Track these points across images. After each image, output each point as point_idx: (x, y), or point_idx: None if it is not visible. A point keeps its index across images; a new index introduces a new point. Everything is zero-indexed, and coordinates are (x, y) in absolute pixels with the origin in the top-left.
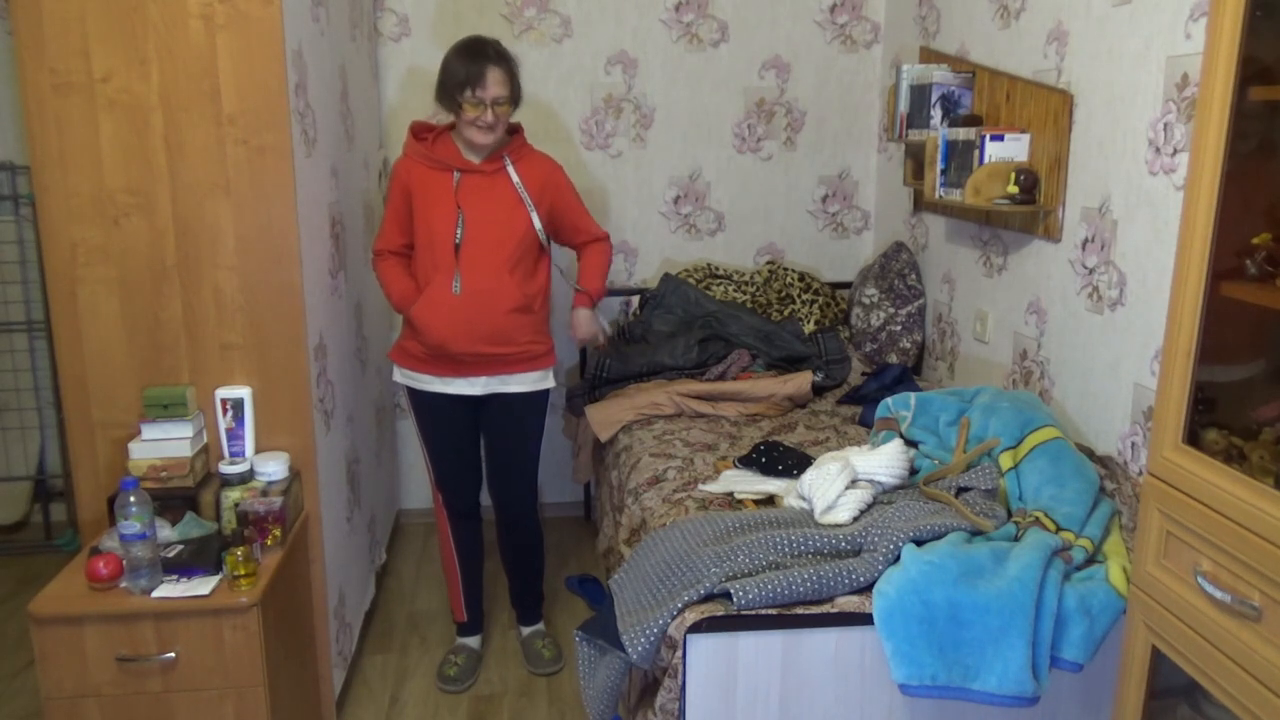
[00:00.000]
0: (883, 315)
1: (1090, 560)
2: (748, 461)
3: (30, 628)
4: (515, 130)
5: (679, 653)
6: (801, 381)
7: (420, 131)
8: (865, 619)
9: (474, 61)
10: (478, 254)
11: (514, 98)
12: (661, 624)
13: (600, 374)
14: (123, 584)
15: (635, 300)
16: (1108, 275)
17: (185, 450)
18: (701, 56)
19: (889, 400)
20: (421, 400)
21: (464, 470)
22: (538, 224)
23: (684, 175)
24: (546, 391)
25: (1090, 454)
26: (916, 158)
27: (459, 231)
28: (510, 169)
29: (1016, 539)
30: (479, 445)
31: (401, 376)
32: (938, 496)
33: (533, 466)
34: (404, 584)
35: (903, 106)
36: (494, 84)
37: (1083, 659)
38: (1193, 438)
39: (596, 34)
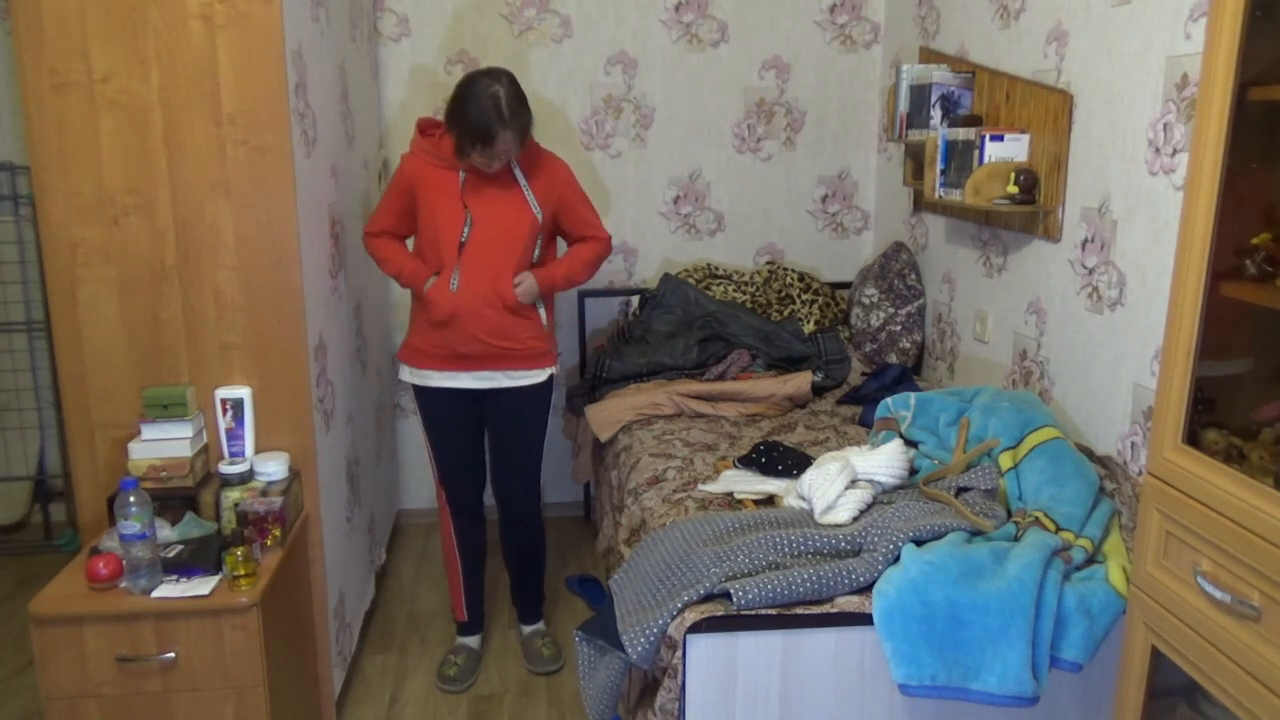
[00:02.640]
0: (882, 315)
1: (1090, 560)
2: (748, 461)
3: (30, 628)
4: None
5: (679, 653)
6: (801, 381)
7: (427, 128)
8: (865, 619)
9: (487, 127)
10: (482, 253)
11: (523, 146)
12: (661, 624)
13: (600, 374)
14: (123, 584)
15: (635, 300)
16: (1107, 275)
17: (185, 450)
18: (701, 56)
19: (889, 400)
20: (427, 397)
21: (468, 468)
22: (541, 229)
23: (684, 175)
24: (549, 388)
25: (1090, 454)
26: (916, 158)
27: (465, 231)
28: (518, 171)
29: (1016, 539)
30: (483, 443)
31: (408, 374)
32: (938, 496)
33: (536, 464)
34: (404, 584)
35: (902, 106)
36: (503, 146)
37: (1082, 659)
38: (1192, 438)
39: (596, 34)
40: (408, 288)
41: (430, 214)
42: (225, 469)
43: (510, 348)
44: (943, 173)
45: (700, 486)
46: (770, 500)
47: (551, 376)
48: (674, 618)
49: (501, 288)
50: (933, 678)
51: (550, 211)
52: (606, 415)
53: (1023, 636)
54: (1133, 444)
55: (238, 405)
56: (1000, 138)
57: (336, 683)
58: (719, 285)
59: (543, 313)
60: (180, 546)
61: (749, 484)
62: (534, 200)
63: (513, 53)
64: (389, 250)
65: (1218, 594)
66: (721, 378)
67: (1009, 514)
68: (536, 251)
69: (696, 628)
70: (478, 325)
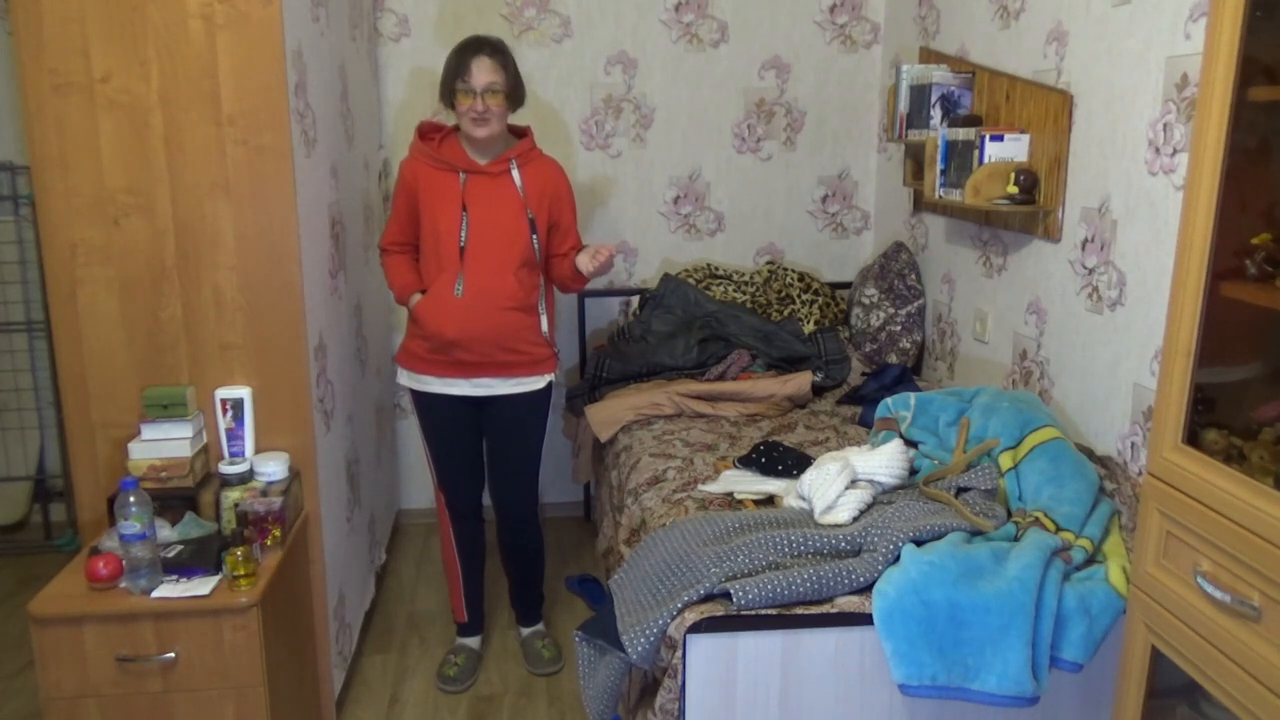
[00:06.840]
0: (882, 315)
1: (1090, 560)
2: (747, 462)
3: (30, 628)
4: (524, 134)
5: (679, 653)
6: (801, 382)
7: (428, 132)
8: (865, 619)
9: (464, 51)
10: (481, 256)
11: (510, 92)
12: (661, 624)
13: (600, 374)
14: (122, 584)
15: (635, 300)
16: (1107, 275)
17: (185, 450)
18: (701, 56)
19: (889, 400)
20: (424, 402)
21: (466, 472)
22: (537, 231)
23: (684, 175)
24: (548, 394)
25: (1090, 454)
26: (916, 158)
27: (463, 233)
28: (515, 173)
29: (1016, 539)
30: (481, 447)
31: (406, 379)
32: (937, 496)
33: (533, 469)
34: (404, 584)
35: (902, 106)
36: (482, 72)
37: (1082, 659)
38: (1192, 438)
39: (596, 34)
40: (399, 302)
41: (431, 216)
42: (225, 469)
43: (510, 360)
44: (943, 173)
45: (700, 486)
46: (770, 500)
47: (551, 383)
48: (674, 618)
49: (506, 288)
50: (933, 678)
51: (544, 214)
52: (606, 415)
53: (1023, 637)
54: (1133, 444)
55: (238, 405)
56: (1000, 138)
57: (336, 683)
58: (719, 285)
59: (544, 319)
60: (180, 546)
61: (749, 484)
62: (529, 202)
63: (512, 53)
64: (390, 268)
65: (1218, 594)
66: (721, 378)
67: (1009, 514)
68: (538, 253)
69: (696, 628)
70: (479, 331)
